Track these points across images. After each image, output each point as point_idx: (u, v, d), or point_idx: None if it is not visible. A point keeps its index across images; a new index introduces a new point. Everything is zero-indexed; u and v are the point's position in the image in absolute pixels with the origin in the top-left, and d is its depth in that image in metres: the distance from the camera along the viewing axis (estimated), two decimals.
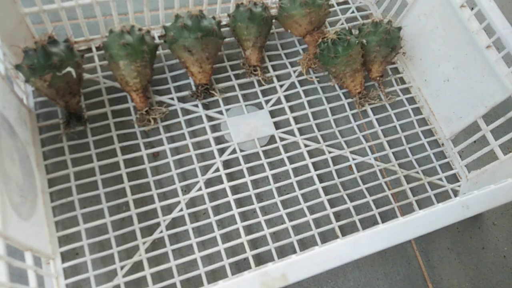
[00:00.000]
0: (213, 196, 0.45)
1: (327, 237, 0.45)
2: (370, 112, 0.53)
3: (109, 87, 0.48)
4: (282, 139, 0.49)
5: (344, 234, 0.45)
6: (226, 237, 0.43)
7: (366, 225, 0.46)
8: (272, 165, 0.48)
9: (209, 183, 0.45)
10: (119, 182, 0.42)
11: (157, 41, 0.51)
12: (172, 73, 0.50)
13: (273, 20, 0.52)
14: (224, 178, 0.45)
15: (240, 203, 0.45)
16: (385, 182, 0.49)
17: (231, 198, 0.44)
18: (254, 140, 0.48)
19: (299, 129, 0.50)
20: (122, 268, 0.40)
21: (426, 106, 0.55)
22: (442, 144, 0.53)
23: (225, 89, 0.51)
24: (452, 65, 0.50)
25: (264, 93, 0.52)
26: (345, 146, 0.50)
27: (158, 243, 0.42)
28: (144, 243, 0.41)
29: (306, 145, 0.49)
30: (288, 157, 0.48)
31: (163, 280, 0.40)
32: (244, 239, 0.42)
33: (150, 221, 0.42)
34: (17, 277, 0.36)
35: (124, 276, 0.39)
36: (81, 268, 0.40)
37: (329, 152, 0.49)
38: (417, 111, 0.55)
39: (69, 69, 0.41)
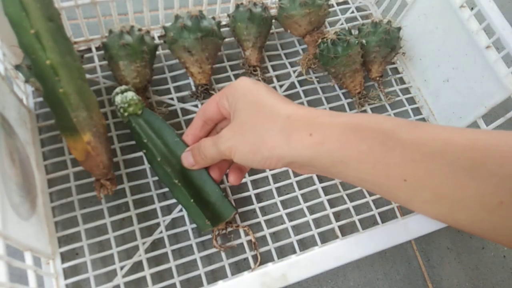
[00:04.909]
0: None
1: (327, 237, 0.45)
2: (370, 112, 0.53)
3: (109, 87, 0.48)
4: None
5: (344, 234, 0.45)
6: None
7: (366, 225, 0.46)
8: None
9: None
10: (119, 183, 0.42)
11: (156, 41, 0.51)
12: (172, 73, 0.50)
13: (273, 20, 0.52)
14: (224, 178, 0.45)
15: (239, 203, 0.45)
16: None
17: (230, 198, 0.44)
18: None
19: None
20: (122, 268, 0.40)
21: (425, 106, 0.55)
22: None
23: None
24: (452, 65, 0.50)
25: None
26: None
27: (158, 243, 0.42)
28: (144, 243, 0.41)
29: None
30: None
31: (163, 280, 0.40)
32: (243, 239, 0.42)
33: (150, 221, 0.42)
34: (17, 277, 0.36)
35: (124, 276, 0.39)
36: (81, 268, 0.40)
37: None
38: (417, 111, 0.55)
39: None
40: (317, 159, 0.28)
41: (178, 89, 0.50)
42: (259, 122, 0.30)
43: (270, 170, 0.47)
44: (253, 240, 0.42)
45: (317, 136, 0.27)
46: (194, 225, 0.42)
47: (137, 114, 0.40)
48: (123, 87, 0.41)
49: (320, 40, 0.51)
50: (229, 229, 0.41)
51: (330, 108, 0.52)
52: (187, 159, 0.38)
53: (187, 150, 0.39)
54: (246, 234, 0.43)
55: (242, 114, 0.32)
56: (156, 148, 0.40)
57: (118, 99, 0.41)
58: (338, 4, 0.61)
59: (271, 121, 0.30)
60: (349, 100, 0.53)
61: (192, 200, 0.39)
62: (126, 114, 0.40)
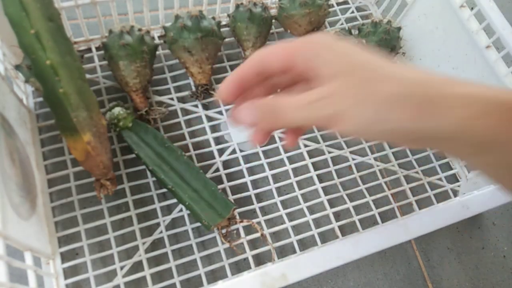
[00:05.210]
0: None
1: (327, 237, 0.45)
2: None
3: (109, 87, 0.48)
4: (281, 139, 0.49)
5: (344, 234, 0.45)
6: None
7: (366, 225, 0.46)
8: (271, 165, 0.48)
9: None
10: (119, 183, 0.42)
11: (157, 41, 0.51)
12: (172, 73, 0.50)
13: (273, 20, 0.52)
14: (224, 178, 0.45)
15: (239, 203, 0.45)
16: (385, 182, 0.49)
17: (230, 198, 0.44)
18: None
19: None
20: (122, 268, 0.40)
21: None
22: None
23: None
24: (452, 65, 0.50)
25: None
26: (344, 146, 0.50)
27: (158, 243, 0.42)
28: (143, 243, 0.41)
29: (305, 145, 0.49)
30: (288, 157, 0.48)
31: (163, 280, 0.40)
32: (244, 239, 0.42)
33: (150, 221, 0.42)
34: (17, 277, 0.36)
35: (124, 276, 0.39)
36: (81, 268, 0.40)
37: (329, 152, 0.49)
38: None
39: None
40: (463, 137, 0.23)
41: (178, 89, 0.50)
42: (373, 87, 0.24)
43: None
44: (260, 232, 0.42)
45: (469, 109, 0.23)
46: (194, 225, 0.42)
47: (128, 127, 0.42)
48: (111, 104, 0.43)
49: None
50: (233, 226, 0.41)
51: None
52: (246, 115, 0.28)
53: (245, 105, 0.28)
54: (248, 234, 0.43)
55: (341, 76, 0.26)
56: (148, 158, 0.41)
57: (107, 116, 0.42)
58: (338, 4, 0.61)
59: (391, 86, 0.24)
60: None
61: (187, 203, 0.40)
62: (118, 129, 0.42)
